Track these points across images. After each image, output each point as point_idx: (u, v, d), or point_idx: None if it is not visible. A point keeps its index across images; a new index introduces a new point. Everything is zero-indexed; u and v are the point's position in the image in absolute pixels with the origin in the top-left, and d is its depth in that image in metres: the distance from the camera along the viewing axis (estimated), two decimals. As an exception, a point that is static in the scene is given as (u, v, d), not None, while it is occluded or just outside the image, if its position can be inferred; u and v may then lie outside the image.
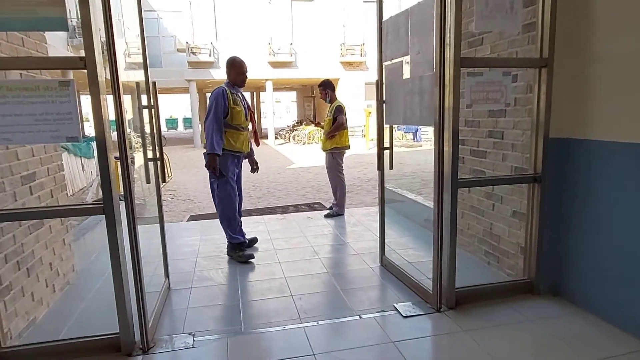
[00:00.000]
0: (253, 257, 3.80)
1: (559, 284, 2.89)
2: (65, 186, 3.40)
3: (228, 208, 3.84)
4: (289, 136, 23.19)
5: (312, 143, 21.97)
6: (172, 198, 8.72)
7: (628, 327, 2.42)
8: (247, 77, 3.90)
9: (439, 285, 2.74)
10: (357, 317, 2.69)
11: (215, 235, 4.57)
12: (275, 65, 21.90)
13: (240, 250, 3.87)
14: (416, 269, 3.46)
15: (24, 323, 2.52)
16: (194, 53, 21.26)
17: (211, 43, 21.53)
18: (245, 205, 7.91)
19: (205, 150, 3.66)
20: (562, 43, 2.66)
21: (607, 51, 2.44)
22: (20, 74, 2.74)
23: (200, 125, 24.05)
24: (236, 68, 3.82)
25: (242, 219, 5.34)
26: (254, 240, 4.27)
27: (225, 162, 3.73)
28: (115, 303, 2.20)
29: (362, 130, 20.65)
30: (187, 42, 21.18)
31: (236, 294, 3.12)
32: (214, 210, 7.42)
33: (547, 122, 2.73)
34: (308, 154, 17.28)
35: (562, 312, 2.69)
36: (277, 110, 38.47)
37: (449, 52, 2.49)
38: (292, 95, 43.78)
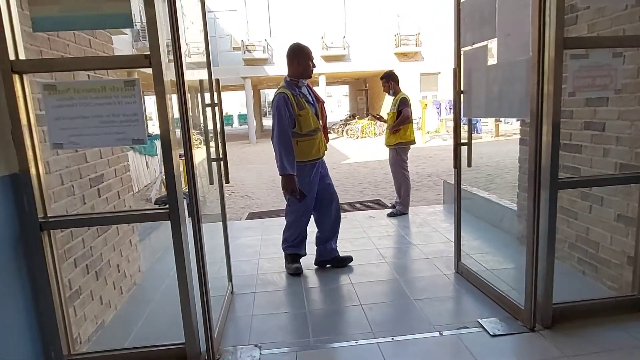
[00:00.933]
0: (300, 272, 3.41)
1: (679, 302, 2.45)
2: (132, 186, 3.39)
3: (296, 222, 3.43)
4: (342, 130, 22.96)
5: (365, 137, 21.64)
6: (230, 194, 8.81)
7: None
8: (315, 65, 3.35)
9: (533, 300, 2.40)
10: (437, 334, 2.42)
11: (276, 236, 4.43)
12: (328, 59, 21.70)
13: (291, 262, 3.49)
14: (497, 277, 3.12)
15: (92, 327, 2.50)
16: (248, 50, 21.58)
17: (265, 40, 21.73)
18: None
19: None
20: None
21: None
22: (88, 75, 2.71)
23: (254, 121, 24.46)
24: (304, 55, 3.24)
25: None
26: (349, 259, 3.60)
27: (303, 177, 3.26)
28: (181, 313, 2.09)
29: (418, 123, 20.00)
30: (242, 40, 21.53)
31: (302, 301, 2.95)
32: (272, 207, 7.40)
33: (668, 111, 2.30)
34: (362, 148, 16.98)
35: (685, 336, 2.27)
36: (329, 104, 38.34)
37: (550, 32, 2.13)
38: (344, 89, 43.47)
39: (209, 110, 2.76)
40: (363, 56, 21.63)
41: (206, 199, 7.35)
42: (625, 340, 2.25)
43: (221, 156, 2.81)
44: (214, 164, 2.85)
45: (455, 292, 3.00)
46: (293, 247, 3.52)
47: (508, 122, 18.55)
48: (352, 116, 25.84)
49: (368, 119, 21.99)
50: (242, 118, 40.37)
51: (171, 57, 1.97)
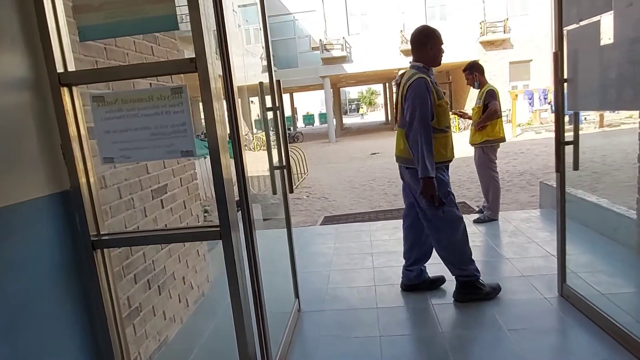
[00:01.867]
0: (500, 289, 2.85)
1: None
2: (199, 195, 3.34)
3: (457, 235, 2.81)
4: (424, 126, 22.03)
5: (448, 132, 20.53)
6: (307, 196, 8.71)
7: None
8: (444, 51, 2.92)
9: (671, 346, 1.86)
10: (539, 380, 1.97)
11: (350, 244, 4.18)
12: (408, 53, 20.92)
13: (481, 286, 2.81)
14: (615, 305, 2.54)
15: (155, 344, 2.43)
16: (327, 49, 21.56)
17: (343, 38, 21.56)
18: (380, 204, 7.45)
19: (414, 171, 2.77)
20: None
21: None
22: (150, 83, 2.66)
23: (334, 119, 24.42)
24: (437, 39, 2.81)
25: (380, 223, 4.89)
26: (440, 280, 3.08)
27: (443, 180, 2.82)
28: (237, 343, 1.90)
29: (508, 116, 18.48)
30: (320, 40, 21.58)
31: (374, 324, 2.64)
32: (347, 210, 7.15)
33: None
34: (446, 145, 16.07)
35: None
36: (410, 99, 37.16)
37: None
38: (426, 83, 41.78)
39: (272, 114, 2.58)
40: (445, 47, 20.49)
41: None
42: None
43: (284, 164, 2.61)
44: (277, 172, 2.66)
45: (560, 323, 2.48)
46: (472, 268, 2.84)
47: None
48: (434, 111, 24.73)
49: (452, 113, 20.81)
50: (323, 117, 40.77)
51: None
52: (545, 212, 4.63)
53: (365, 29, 21.68)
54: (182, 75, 3.14)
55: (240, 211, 1.96)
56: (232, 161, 1.87)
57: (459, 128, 20.69)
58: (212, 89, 1.71)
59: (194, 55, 1.72)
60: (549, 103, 17.27)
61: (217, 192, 1.79)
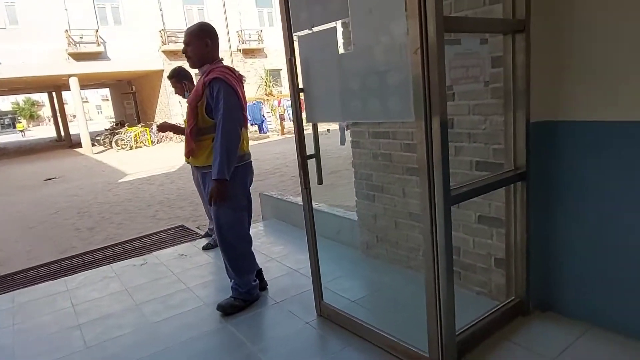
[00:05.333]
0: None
1: (549, 298, 2.38)
2: None
3: None
4: (110, 141, 19.82)
5: (140, 147, 19.26)
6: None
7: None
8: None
9: (440, 340, 1.92)
10: None
11: (41, 318, 2.91)
12: (79, 57, 18.21)
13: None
14: (372, 313, 2.61)
15: None
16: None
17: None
18: (72, 244, 5.85)
19: None
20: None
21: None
22: None
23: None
24: None
25: (82, 275, 3.66)
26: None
27: None
28: None
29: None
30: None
31: None
32: (25, 262, 5.21)
33: (527, 102, 2.11)
34: (139, 160, 14.81)
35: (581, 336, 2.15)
36: (85, 110, 33.20)
37: (429, 6, 1.62)
38: (103, 92, 38.22)
39: None
40: (124, 54, 18.92)
41: None
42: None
43: None
44: None
45: (326, 348, 2.32)
46: None
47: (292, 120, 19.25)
48: (120, 124, 22.61)
49: (159, 127, 19.59)
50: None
51: None
52: (270, 224, 4.65)
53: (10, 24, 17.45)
54: None
55: None
56: None
57: (151, 141, 19.71)
58: None
59: None
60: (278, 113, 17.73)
61: None
